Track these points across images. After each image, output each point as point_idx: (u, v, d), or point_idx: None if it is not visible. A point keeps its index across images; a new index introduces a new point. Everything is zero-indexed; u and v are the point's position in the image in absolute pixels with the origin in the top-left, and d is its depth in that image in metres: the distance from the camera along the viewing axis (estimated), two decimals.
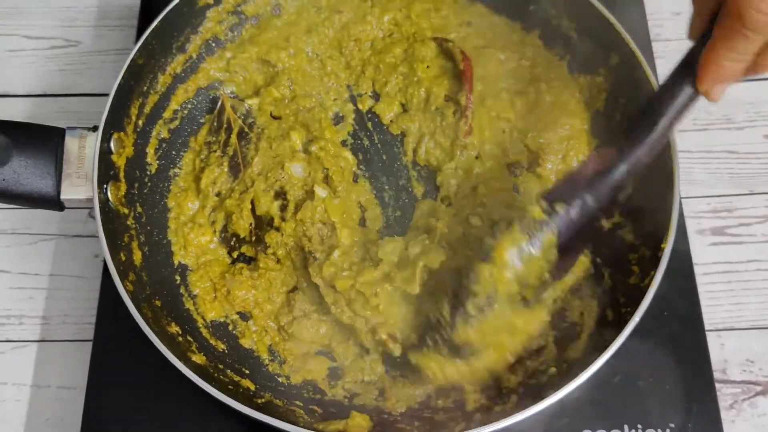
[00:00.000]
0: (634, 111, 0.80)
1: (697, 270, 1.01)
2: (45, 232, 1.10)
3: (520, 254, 0.80)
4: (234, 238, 1.00)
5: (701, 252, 1.05)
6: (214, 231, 1.01)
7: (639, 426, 0.89)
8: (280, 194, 0.99)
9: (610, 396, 0.90)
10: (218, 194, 1.01)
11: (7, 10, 1.26)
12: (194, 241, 0.99)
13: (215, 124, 1.05)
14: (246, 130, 1.04)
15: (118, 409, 0.92)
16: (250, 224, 0.99)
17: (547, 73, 1.05)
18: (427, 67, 1.07)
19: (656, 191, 0.89)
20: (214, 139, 1.05)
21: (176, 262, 0.99)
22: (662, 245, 0.85)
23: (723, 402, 0.95)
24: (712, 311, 1.01)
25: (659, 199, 0.89)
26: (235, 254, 1.00)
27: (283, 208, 0.98)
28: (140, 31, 1.15)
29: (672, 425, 0.89)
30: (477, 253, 0.84)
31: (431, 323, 0.86)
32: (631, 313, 0.82)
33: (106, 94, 1.16)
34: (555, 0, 1.04)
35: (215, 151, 1.04)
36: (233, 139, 1.04)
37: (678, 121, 0.77)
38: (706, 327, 0.96)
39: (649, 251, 0.88)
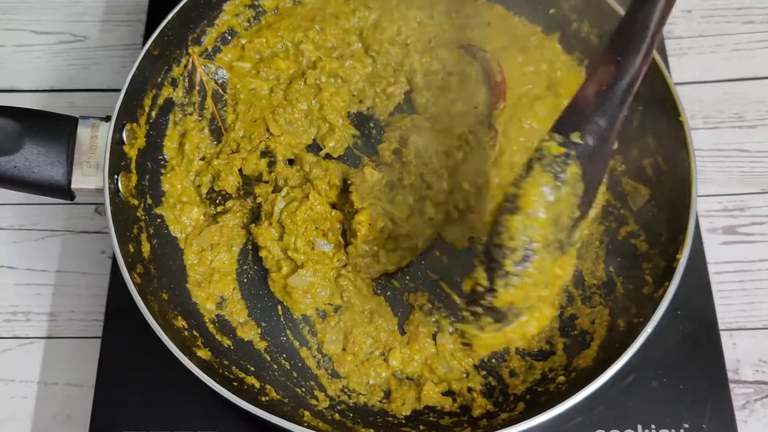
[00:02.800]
0: (620, 23, 0.77)
1: (709, 269, 1.00)
2: (52, 228, 1.09)
3: (548, 194, 0.74)
4: (219, 197, 1.02)
5: (713, 251, 1.04)
6: (200, 194, 1.01)
7: (652, 426, 0.89)
8: (267, 152, 1.02)
9: (623, 395, 0.90)
10: (203, 158, 1.02)
11: (15, 4, 1.26)
12: (183, 219, 1.00)
13: (186, 84, 1.04)
14: (220, 91, 1.04)
15: (128, 405, 0.91)
16: (239, 182, 1.02)
17: (565, 77, 1.04)
18: (449, 74, 1.06)
19: (672, 201, 0.89)
20: (187, 101, 1.04)
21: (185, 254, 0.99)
22: (677, 256, 0.84)
23: (735, 402, 0.94)
24: (724, 311, 1.00)
25: (675, 209, 0.88)
26: (219, 209, 1.01)
27: (271, 164, 1.01)
28: (149, 26, 1.16)
29: (686, 425, 0.88)
30: (498, 209, 0.77)
31: (465, 295, 0.79)
32: (643, 324, 0.81)
33: (113, 90, 1.18)
34: (576, 4, 1.03)
35: (191, 114, 1.04)
36: (209, 101, 1.04)
37: (666, 17, 0.75)
38: (719, 326, 0.96)
39: (664, 261, 0.87)
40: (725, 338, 0.98)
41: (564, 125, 0.76)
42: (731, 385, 0.94)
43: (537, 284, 0.75)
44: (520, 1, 1.08)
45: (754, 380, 0.98)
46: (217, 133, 1.04)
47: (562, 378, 0.88)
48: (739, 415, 0.94)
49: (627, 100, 0.76)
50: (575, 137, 0.75)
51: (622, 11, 0.97)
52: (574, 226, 0.77)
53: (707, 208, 1.07)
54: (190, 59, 1.03)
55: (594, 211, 0.86)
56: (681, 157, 0.89)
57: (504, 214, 0.75)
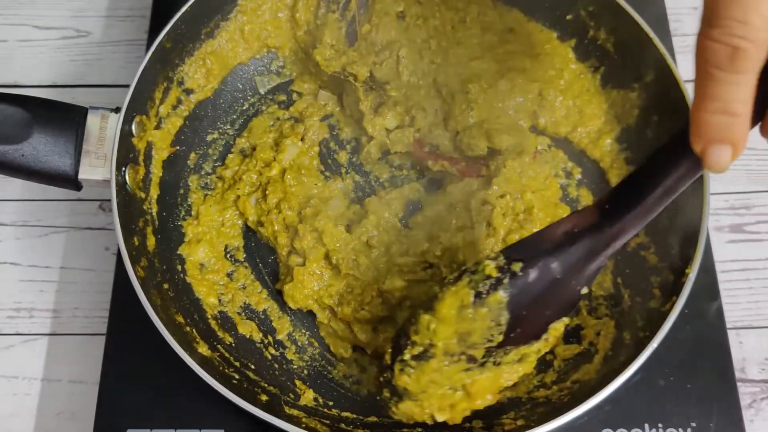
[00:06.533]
0: (634, 169, 0.72)
1: (716, 267, 0.99)
2: (55, 225, 1.09)
3: (463, 310, 0.73)
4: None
5: (719, 249, 1.03)
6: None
7: (660, 425, 0.88)
8: None
9: (630, 394, 0.89)
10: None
11: None
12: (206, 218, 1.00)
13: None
14: None
15: (132, 402, 0.91)
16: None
17: (568, 86, 1.04)
18: None
19: (684, 215, 0.87)
20: None
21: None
22: (687, 270, 0.83)
23: (742, 401, 0.94)
24: (730, 309, 1.00)
25: (686, 223, 0.87)
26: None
27: None
28: (153, 22, 1.15)
29: (693, 425, 0.88)
30: (426, 298, 0.80)
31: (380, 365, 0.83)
32: (650, 338, 0.80)
33: (117, 86, 1.17)
34: (594, 10, 1.02)
35: (334, 12, 1.04)
36: (353, 4, 1.05)
37: (673, 195, 0.67)
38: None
39: (673, 275, 0.86)
40: (732, 337, 0.97)
41: (515, 250, 0.75)
42: (737, 384, 0.94)
43: (435, 383, 0.75)
44: (538, 6, 1.06)
45: (760, 379, 0.98)
46: (352, 37, 1.06)
47: (565, 389, 0.88)
48: (746, 414, 0.93)
49: (597, 257, 0.71)
50: (516, 267, 0.73)
51: (639, 18, 0.96)
52: (496, 349, 0.74)
53: (714, 206, 1.07)
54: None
55: (540, 345, 0.77)
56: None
57: (421, 308, 0.77)
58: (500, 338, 0.74)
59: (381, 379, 0.80)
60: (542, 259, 0.72)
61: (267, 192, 0.99)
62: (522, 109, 1.01)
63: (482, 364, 0.75)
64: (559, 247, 0.72)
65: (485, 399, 0.77)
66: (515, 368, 0.76)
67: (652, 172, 0.67)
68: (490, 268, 0.73)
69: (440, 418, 0.77)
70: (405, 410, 0.77)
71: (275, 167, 1.01)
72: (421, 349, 0.75)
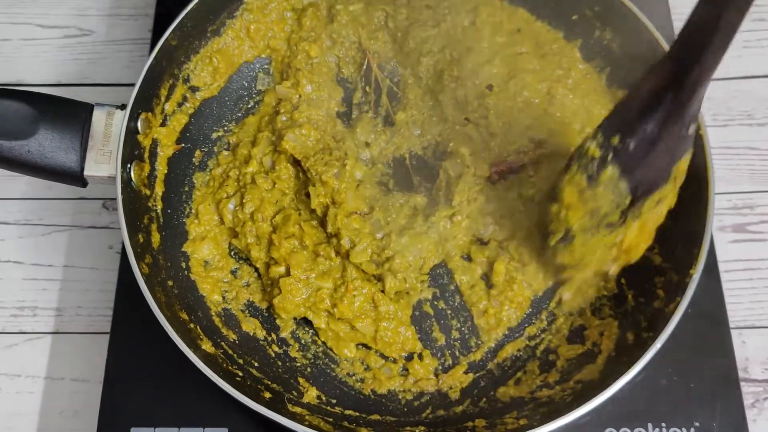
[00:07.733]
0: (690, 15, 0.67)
1: (719, 267, 0.99)
2: (58, 223, 1.09)
3: (583, 194, 0.80)
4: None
5: (722, 249, 1.03)
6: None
7: (663, 425, 0.88)
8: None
9: (633, 394, 0.89)
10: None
11: None
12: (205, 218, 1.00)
13: (362, 83, 1.06)
14: (395, 89, 1.06)
15: (136, 401, 0.91)
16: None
17: (575, 85, 1.03)
18: None
19: (688, 215, 0.88)
20: (364, 99, 1.06)
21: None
22: (691, 271, 0.83)
23: (744, 401, 0.93)
24: (733, 309, 1.00)
25: (691, 223, 0.87)
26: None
27: None
28: (157, 20, 1.16)
29: (697, 424, 0.88)
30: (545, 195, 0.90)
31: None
32: (653, 339, 0.81)
33: (120, 84, 1.17)
34: (599, 11, 1.02)
35: (366, 112, 1.06)
36: (384, 99, 1.06)
37: (743, 14, 0.64)
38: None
39: (677, 276, 0.86)
40: (734, 337, 0.97)
41: (609, 125, 0.77)
42: (740, 384, 0.94)
43: (589, 252, 0.83)
44: (544, 5, 1.06)
45: (763, 379, 0.98)
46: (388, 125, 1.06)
47: (568, 389, 0.88)
48: (749, 414, 0.93)
49: (691, 98, 0.70)
50: (614, 140, 0.76)
51: (645, 19, 0.96)
52: (628, 209, 0.79)
53: (717, 206, 1.06)
54: (366, 59, 1.05)
55: (670, 185, 0.80)
56: (699, 171, 0.88)
57: (548, 200, 0.86)
58: (628, 201, 0.78)
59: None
60: (637, 126, 0.74)
61: (244, 200, 0.98)
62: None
63: (623, 222, 0.80)
64: (648, 109, 0.72)
65: (641, 249, 0.84)
66: (657, 210, 0.81)
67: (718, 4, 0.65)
68: (593, 148, 0.78)
69: (614, 270, 0.87)
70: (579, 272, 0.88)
71: (252, 164, 1.00)
72: (560, 235, 0.84)
